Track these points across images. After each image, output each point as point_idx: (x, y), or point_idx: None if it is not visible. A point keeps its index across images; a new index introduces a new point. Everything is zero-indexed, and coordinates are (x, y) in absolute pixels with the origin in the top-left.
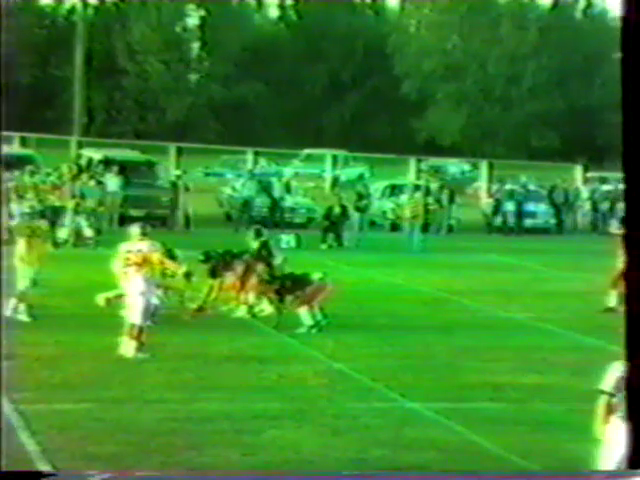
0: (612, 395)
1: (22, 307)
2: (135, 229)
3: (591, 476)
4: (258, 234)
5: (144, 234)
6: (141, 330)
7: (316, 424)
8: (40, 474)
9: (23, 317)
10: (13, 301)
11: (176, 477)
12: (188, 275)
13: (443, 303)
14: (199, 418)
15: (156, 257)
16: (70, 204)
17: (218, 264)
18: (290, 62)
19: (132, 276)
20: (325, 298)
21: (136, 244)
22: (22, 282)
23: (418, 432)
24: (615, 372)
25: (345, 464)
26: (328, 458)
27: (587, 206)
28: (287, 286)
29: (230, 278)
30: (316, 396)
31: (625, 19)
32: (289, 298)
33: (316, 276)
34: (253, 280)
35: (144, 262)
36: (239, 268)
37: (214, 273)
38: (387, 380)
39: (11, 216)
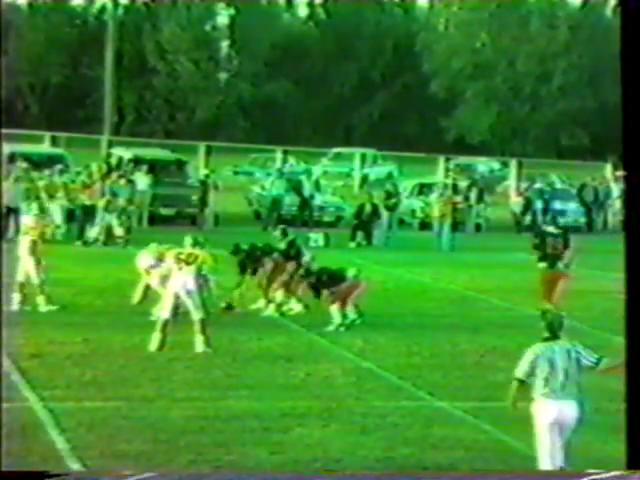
0: (522, 382)
1: (41, 299)
2: (188, 239)
3: (592, 475)
4: (284, 234)
5: (196, 244)
6: (203, 323)
7: (344, 422)
8: (43, 474)
9: (45, 309)
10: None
11: (211, 476)
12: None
13: (472, 302)
14: (227, 416)
15: (203, 257)
16: (100, 203)
17: (247, 258)
18: (319, 61)
19: (180, 273)
20: (359, 295)
21: (188, 249)
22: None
23: (446, 431)
24: (528, 357)
25: (372, 463)
26: (355, 456)
27: (618, 205)
28: (323, 280)
29: (258, 274)
30: (344, 394)
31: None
32: (325, 293)
33: (350, 273)
34: (282, 278)
35: (194, 261)
36: (268, 265)
37: (243, 268)
38: (415, 379)
39: (43, 214)
